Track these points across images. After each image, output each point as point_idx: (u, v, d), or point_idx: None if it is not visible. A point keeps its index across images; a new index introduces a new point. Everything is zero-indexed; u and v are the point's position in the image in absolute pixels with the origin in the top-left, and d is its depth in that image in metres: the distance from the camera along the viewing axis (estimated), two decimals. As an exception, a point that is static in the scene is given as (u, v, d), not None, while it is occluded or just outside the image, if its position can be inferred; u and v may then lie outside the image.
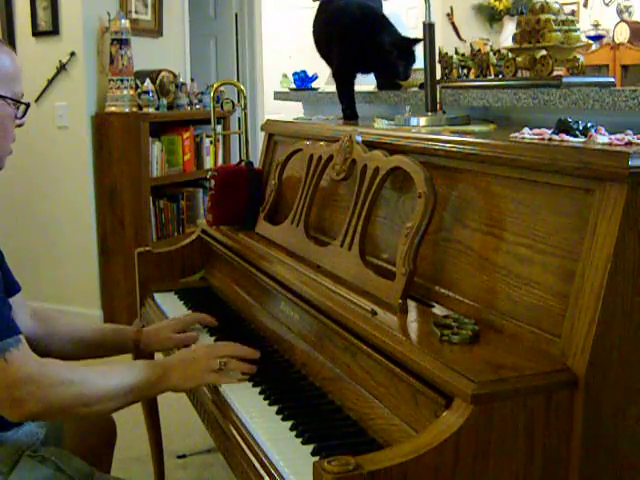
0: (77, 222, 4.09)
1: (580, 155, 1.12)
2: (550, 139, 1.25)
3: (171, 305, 2.09)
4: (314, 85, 2.93)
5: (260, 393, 1.45)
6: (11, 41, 4.13)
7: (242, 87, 2.69)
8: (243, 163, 2.24)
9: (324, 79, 3.04)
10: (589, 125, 1.27)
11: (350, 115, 2.19)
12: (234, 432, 1.36)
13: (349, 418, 1.30)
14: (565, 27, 1.76)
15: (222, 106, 4.38)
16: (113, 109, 3.98)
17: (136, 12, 4.28)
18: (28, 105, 1.50)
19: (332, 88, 2.54)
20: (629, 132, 1.21)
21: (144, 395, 1.47)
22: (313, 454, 1.19)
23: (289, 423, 1.30)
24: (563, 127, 1.27)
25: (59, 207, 4.15)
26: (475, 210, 1.34)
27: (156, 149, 4.08)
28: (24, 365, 1.28)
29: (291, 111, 3.23)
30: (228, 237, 2.04)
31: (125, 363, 1.51)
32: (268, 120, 2.35)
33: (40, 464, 1.41)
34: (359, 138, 1.60)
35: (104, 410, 1.39)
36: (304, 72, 2.92)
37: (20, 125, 1.51)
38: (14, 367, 1.26)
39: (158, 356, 1.83)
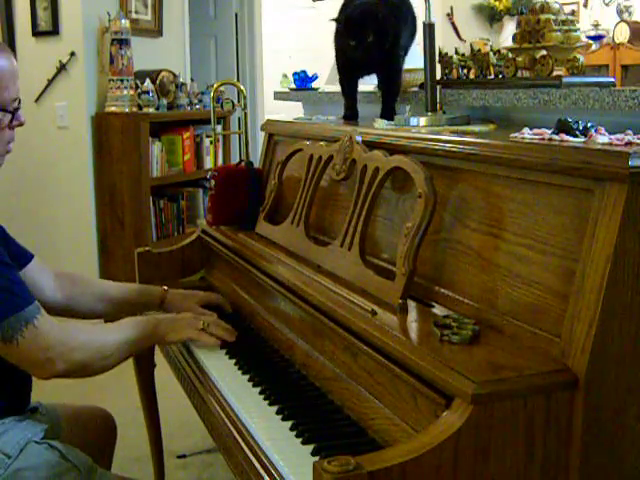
0: (77, 222, 4.09)
1: (580, 155, 1.12)
2: (550, 139, 1.25)
3: (171, 305, 2.09)
4: (314, 85, 2.92)
5: (260, 393, 1.45)
6: (11, 41, 4.13)
7: (242, 87, 2.69)
8: (243, 163, 2.24)
9: (324, 79, 3.04)
10: (589, 125, 1.27)
11: (350, 115, 2.19)
12: (234, 432, 1.36)
13: (349, 418, 1.30)
14: (565, 27, 1.76)
15: (222, 106, 4.40)
16: (113, 109, 3.98)
17: (136, 12, 4.28)
18: (16, 109, 1.49)
19: (332, 88, 2.54)
20: (629, 132, 1.21)
21: (142, 346, 1.64)
22: (313, 454, 1.19)
23: (289, 423, 1.30)
24: (563, 127, 1.27)
25: (59, 207, 4.15)
26: (475, 210, 1.34)
27: (156, 149, 4.08)
28: (51, 329, 1.41)
29: (291, 111, 3.22)
30: (228, 237, 2.04)
31: (121, 320, 1.62)
32: (268, 120, 2.35)
33: (46, 450, 1.45)
34: (359, 138, 1.60)
35: (115, 362, 1.52)
36: (304, 72, 2.92)
37: (20, 125, 1.52)
38: (44, 331, 1.40)
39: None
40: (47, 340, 1.39)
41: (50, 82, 4.05)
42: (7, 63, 1.46)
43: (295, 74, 2.94)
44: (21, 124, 1.52)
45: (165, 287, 1.90)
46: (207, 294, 1.94)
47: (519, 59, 1.85)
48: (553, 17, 1.76)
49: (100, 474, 1.49)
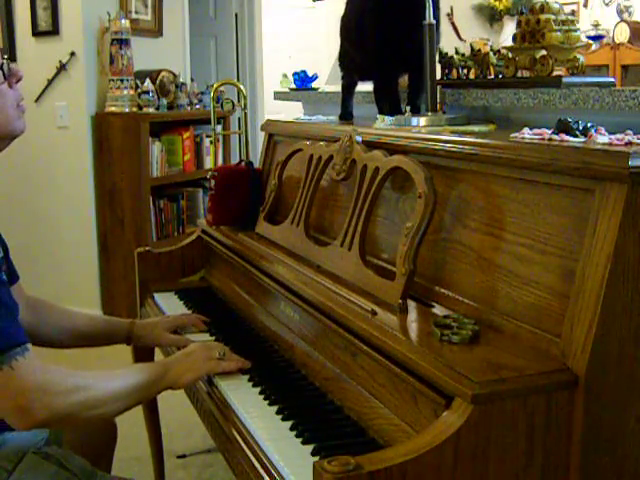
0: (77, 222, 4.09)
1: (580, 155, 1.12)
2: (550, 139, 1.25)
3: (171, 305, 2.09)
4: (314, 85, 2.92)
5: (260, 393, 1.45)
6: (11, 41, 4.13)
7: (242, 87, 2.69)
8: (243, 163, 2.24)
9: (324, 79, 3.04)
10: (589, 125, 1.27)
11: (344, 116, 2.18)
12: (234, 432, 1.36)
13: (349, 418, 1.30)
14: (565, 27, 1.76)
15: (222, 106, 4.40)
16: (113, 109, 3.98)
17: (136, 12, 4.28)
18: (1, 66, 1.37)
19: (332, 88, 2.54)
20: (629, 132, 1.21)
21: (147, 394, 1.47)
22: (313, 454, 1.19)
23: (289, 423, 1.30)
24: (563, 127, 1.27)
25: (59, 207, 4.15)
26: (475, 210, 1.34)
27: (156, 149, 4.08)
28: (30, 374, 1.26)
29: (291, 111, 3.22)
30: (228, 237, 2.04)
31: (127, 366, 1.51)
32: (268, 120, 2.35)
33: (44, 461, 1.43)
34: (359, 138, 1.60)
35: (109, 412, 1.39)
36: (304, 72, 2.92)
37: (18, 80, 1.41)
38: (20, 375, 1.25)
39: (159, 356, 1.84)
40: (23, 386, 1.24)
41: (50, 82, 4.04)
42: None
43: (295, 74, 2.94)
44: (19, 79, 1.40)
45: (131, 320, 1.82)
46: (175, 317, 1.83)
47: (519, 59, 1.85)
48: (553, 17, 1.76)
49: (100, 477, 1.48)
